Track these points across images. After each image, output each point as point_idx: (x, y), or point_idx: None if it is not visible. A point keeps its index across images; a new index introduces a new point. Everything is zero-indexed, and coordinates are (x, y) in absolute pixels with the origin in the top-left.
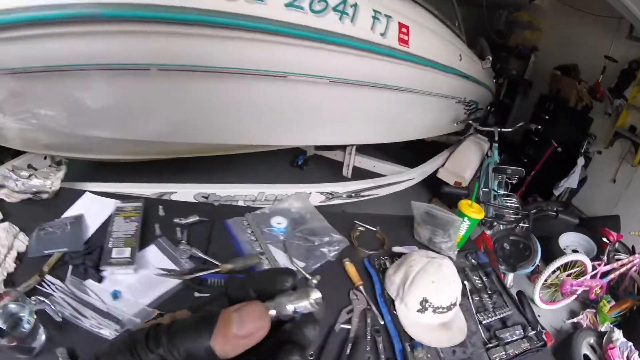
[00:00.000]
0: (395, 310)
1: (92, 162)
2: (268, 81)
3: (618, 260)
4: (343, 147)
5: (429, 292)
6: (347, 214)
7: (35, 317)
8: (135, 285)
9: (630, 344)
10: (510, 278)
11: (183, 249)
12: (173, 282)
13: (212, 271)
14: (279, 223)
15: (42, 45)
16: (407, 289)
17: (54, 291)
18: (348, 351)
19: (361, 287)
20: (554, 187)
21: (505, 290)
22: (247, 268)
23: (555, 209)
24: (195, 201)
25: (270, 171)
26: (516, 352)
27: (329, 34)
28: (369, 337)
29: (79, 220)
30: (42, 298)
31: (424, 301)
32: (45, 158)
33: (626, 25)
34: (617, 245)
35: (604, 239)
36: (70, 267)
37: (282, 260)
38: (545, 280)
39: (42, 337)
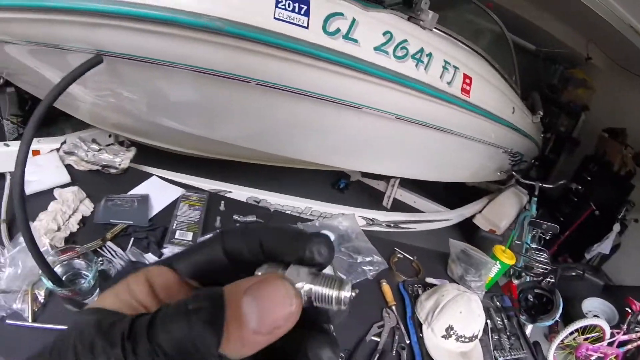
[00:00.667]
0: (422, 333)
1: (152, 148)
2: (346, 110)
3: (638, 332)
4: (387, 178)
5: (456, 321)
6: (388, 240)
7: (96, 276)
8: None
9: None
10: (529, 330)
11: None
12: None
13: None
14: None
15: (159, 41)
16: (436, 315)
17: (113, 257)
18: None
19: (393, 307)
20: (586, 250)
21: (523, 335)
22: None
23: (582, 269)
24: (248, 203)
25: (312, 189)
26: None
27: (405, 77)
28: (394, 352)
29: (145, 198)
30: (109, 259)
31: (449, 328)
32: (109, 136)
33: None
34: (639, 317)
35: (627, 308)
36: (132, 239)
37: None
38: (562, 341)
39: (97, 296)
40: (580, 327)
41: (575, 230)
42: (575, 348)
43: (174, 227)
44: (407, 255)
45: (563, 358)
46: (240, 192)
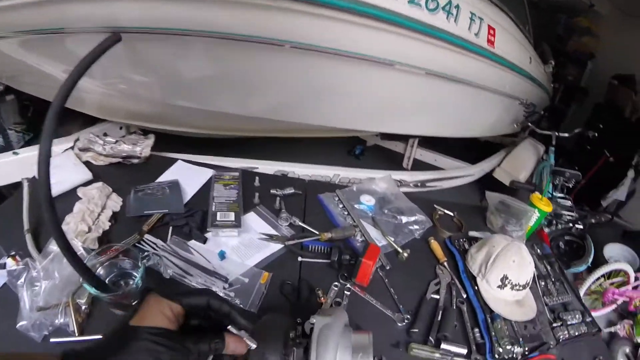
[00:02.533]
0: (477, 286)
1: (168, 135)
2: (378, 68)
3: None
4: (406, 139)
5: (510, 270)
6: (424, 199)
7: (143, 274)
8: (239, 248)
9: None
10: None
11: (284, 217)
12: (275, 247)
13: (313, 238)
14: (368, 200)
15: (180, 9)
16: (490, 266)
17: (154, 250)
18: (439, 318)
19: (445, 264)
20: (603, 197)
21: (566, 279)
22: (345, 238)
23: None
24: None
25: (328, 158)
26: (576, 334)
27: (438, 30)
28: (454, 307)
29: (176, 184)
30: (156, 254)
31: (504, 278)
32: (121, 128)
33: None
34: None
35: None
36: (171, 228)
37: (374, 234)
38: (588, 287)
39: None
40: (606, 273)
41: (590, 178)
42: (601, 294)
43: (213, 209)
44: (448, 212)
45: (589, 304)
46: (267, 167)
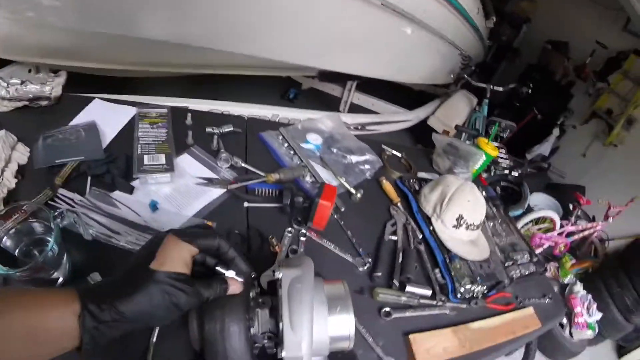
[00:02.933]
0: (432, 226)
1: (83, 75)
2: None
3: (582, 224)
4: (344, 83)
5: (465, 210)
6: (371, 140)
7: (59, 237)
8: (174, 196)
9: (589, 295)
10: None
11: (224, 157)
12: (217, 192)
13: (259, 180)
14: (315, 139)
15: None
16: (445, 206)
17: (72, 206)
18: (400, 260)
19: (399, 204)
20: (528, 151)
21: (511, 221)
22: (294, 178)
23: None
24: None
25: (260, 101)
26: (526, 273)
27: None
28: (412, 248)
29: (92, 126)
30: (72, 211)
31: (459, 218)
32: (30, 71)
33: (623, 17)
34: (579, 212)
35: (570, 205)
36: (90, 178)
37: (324, 175)
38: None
39: (66, 264)
40: (533, 219)
41: (517, 133)
42: (529, 238)
43: (139, 151)
44: (396, 153)
45: None
46: (200, 106)
